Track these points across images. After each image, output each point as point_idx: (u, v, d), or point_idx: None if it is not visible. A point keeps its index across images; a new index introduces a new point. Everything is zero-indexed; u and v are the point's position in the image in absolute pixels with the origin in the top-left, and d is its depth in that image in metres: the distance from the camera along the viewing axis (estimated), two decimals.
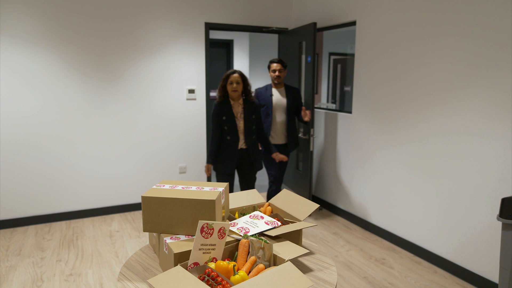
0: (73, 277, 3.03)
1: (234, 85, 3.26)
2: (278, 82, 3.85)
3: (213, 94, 6.75)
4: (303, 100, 4.46)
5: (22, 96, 3.92)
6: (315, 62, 4.20)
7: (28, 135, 3.99)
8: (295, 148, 4.14)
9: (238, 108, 3.37)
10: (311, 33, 4.25)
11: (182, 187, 1.65)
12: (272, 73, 3.85)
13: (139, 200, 4.59)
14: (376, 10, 3.70)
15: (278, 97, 3.92)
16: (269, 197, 4.10)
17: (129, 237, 3.81)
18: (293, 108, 3.93)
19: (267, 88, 3.96)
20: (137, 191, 4.57)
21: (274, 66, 3.82)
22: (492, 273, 2.81)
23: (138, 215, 4.43)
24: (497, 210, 2.73)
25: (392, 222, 3.68)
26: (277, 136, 3.97)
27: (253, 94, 4.01)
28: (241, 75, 3.30)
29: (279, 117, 3.93)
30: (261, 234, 1.62)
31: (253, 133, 3.42)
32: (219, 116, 3.33)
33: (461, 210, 2.99)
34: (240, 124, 3.36)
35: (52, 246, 3.59)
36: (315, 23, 4.15)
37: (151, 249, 1.75)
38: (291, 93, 3.92)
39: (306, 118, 3.74)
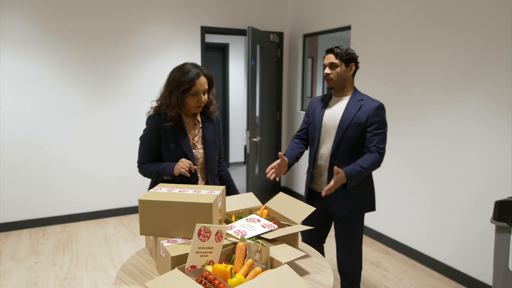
0: (68, 281, 3.01)
1: (202, 97, 1.96)
2: (329, 87, 2.27)
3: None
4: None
5: (15, 100, 3.90)
6: (253, 66, 4.15)
7: (22, 139, 3.97)
8: (356, 210, 2.26)
9: (194, 128, 2.06)
10: (252, 37, 4.30)
11: (179, 190, 1.65)
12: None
13: (134, 204, 4.57)
14: (371, 14, 3.73)
15: (333, 111, 2.27)
16: None
17: (125, 240, 3.79)
18: (353, 134, 2.18)
19: (324, 97, 2.38)
20: (132, 194, 4.55)
21: (324, 59, 2.28)
22: (486, 275, 2.83)
23: (133, 218, 4.42)
24: (490, 213, 2.76)
25: (387, 225, 3.70)
26: (318, 176, 2.33)
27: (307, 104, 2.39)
28: (208, 77, 2.00)
29: (325, 146, 2.28)
30: (258, 237, 1.62)
31: (216, 168, 2.16)
32: (163, 142, 1.98)
33: (455, 213, 3.02)
34: (199, 154, 2.05)
35: (46, 250, 3.57)
36: (249, 27, 4.20)
37: (148, 252, 1.75)
38: (356, 108, 2.19)
39: (323, 193, 2.01)
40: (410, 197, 3.42)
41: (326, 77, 2.24)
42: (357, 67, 2.25)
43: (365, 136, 2.18)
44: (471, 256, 2.93)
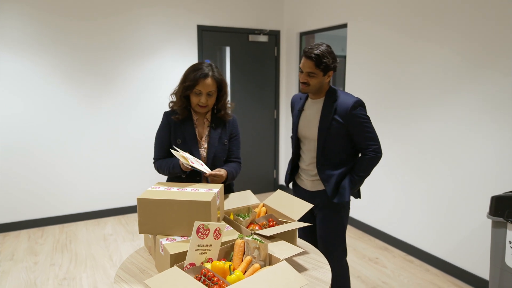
0: (67, 281, 3.02)
1: (204, 98, 1.96)
2: (303, 92, 2.17)
3: None
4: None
5: (14, 101, 3.89)
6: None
7: (20, 139, 3.96)
8: (342, 200, 2.14)
9: (202, 127, 2.09)
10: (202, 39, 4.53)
11: (177, 189, 1.66)
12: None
13: (132, 203, 4.57)
14: (367, 12, 3.74)
15: (310, 113, 2.20)
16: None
17: (123, 240, 3.80)
18: (335, 140, 2.11)
19: (302, 97, 2.30)
20: (130, 194, 4.55)
21: (301, 63, 2.08)
22: (483, 270, 2.85)
23: (131, 218, 4.42)
24: (487, 208, 2.78)
25: (384, 222, 3.72)
26: (304, 176, 2.28)
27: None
28: (218, 80, 1.99)
29: (307, 149, 2.23)
30: (256, 234, 1.63)
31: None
32: (172, 137, 2.05)
33: (452, 209, 3.04)
34: (202, 152, 2.06)
35: (45, 250, 3.57)
36: (199, 32, 4.43)
37: (147, 251, 1.76)
38: (331, 110, 2.10)
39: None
40: (407, 193, 3.44)
41: (303, 85, 2.10)
42: (335, 71, 2.10)
43: (351, 136, 2.11)
44: (468, 251, 2.95)
